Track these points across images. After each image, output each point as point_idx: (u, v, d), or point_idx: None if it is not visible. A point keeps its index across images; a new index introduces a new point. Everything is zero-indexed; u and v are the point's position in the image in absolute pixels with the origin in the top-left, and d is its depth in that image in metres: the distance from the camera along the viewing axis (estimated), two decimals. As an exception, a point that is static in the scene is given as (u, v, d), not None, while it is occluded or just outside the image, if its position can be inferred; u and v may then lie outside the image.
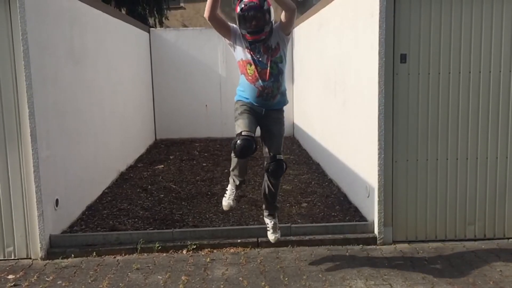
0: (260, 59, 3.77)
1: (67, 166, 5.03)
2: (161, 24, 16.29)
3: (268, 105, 3.87)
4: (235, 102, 3.98)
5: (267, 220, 4.22)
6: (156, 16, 16.08)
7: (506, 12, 4.36)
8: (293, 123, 10.46)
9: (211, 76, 10.54)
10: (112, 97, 6.99)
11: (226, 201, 4.22)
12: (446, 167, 4.52)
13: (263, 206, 4.24)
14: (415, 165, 4.51)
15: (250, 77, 3.81)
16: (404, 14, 4.33)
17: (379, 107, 4.41)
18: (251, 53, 3.78)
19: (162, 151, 9.34)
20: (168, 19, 17.13)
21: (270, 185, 4.01)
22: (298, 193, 6.11)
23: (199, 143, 10.06)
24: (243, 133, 3.70)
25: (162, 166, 7.94)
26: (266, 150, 3.96)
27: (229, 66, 10.50)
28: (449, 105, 4.45)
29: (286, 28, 3.82)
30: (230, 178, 4.17)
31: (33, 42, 4.27)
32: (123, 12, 14.33)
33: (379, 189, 4.50)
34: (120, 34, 7.69)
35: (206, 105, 10.62)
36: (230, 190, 4.19)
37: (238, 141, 3.68)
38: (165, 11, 16.56)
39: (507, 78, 4.44)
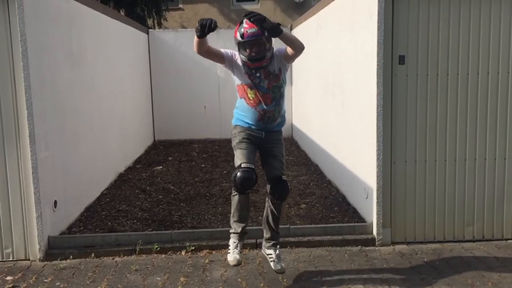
0: (260, 83, 3.67)
1: (66, 167, 5.02)
2: (160, 25, 16.28)
3: (268, 128, 3.77)
4: (233, 127, 3.85)
5: (269, 251, 3.90)
6: (155, 17, 16.05)
7: (504, 13, 4.37)
8: (292, 124, 10.46)
9: (210, 78, 10.53)
10: (111, 98, 6.99)
11: (232, 256, 3.75)
12: (444, 168, 4.52)
13: (264, 235, 3.97)
14: (413, 166, 4.51)
15: (251, 101, 3.70)
16: (403, 16, 4.34)
17: (377, 108, 4.41)
18: (251, 78, 3.67)
19: (160, 152, 9.34)
20: (166, 20, 17.11)
21: (274, 210, 3.83)
22: (297, 194, 6.11)
23: (198, 144, 10.06)
24: (242, 165, 3.59)
25: (161, 167, 7.94)
26: (269, 173, 3.81)
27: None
28: (447, 106, 4.46)
29: (290, 60, 3.76)
30: (230, 229, 3.85)
31: (32, 43, 4.27)
32: (122, 13, 14.32)
33: (377, 190, 4.50)
34: (119, 35, 7.69)
35: (205, 107, 10.62)
36: (232, 244, 3.79)
37: (238, 174, 3.56)
38: (164, 12, 16.54)
39: (505, 80, 4.45)
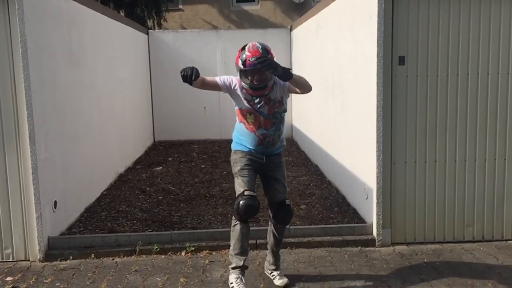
0: (261, 109, 3.59)
1: (66, 168, 5.02)
2: (160, 25, 16.28)
3: (268, 152, 3.70)
4: (233, 152, 3.78)
5: (272, 272, 3.90)
6: (155, 17, 16.06)
7: (504, 14, 4.37)
8: (292, 124, 10.46)
9: (210, 78, 10.52)
10: (111, 98, 6.99)
11: None
12: (444, 169, 4.52)
13: (267, 258, 3.94)
14: (413, 167, 4.51)
15: (250, 126, 3.63)
16: (402, 16, 4.34)
17: (377, 109, 4.41)
18: (251, 103, 3.59)
19: (160, 153, 9.34)
20: (166, 21, 17.11)
21: (276, 234, 3.80)
22: (297, 195, 6.11)
23: (198, 145, 10.06)
24: (245, 193, 3.51)
25: (161, 168, 7.94)
26: (272, 197, 3.74)
27: (228, 68, 10.50)
28: (447, 107, 4.46)
29: (293, 92, 3.69)
30: (231, 264, 3.69)
31: (32, 44, 4.27)
32: (122, 13, 14.33)
33: (377, 191, 4.50)
34: (119, 36, 7.69)
35: (205, 107, 10.62)
36: (235, 279, 3.63)
37: (242, 202, 3.48)
38: (164, 13, 16.55)
39: (505, 81, 4.45)
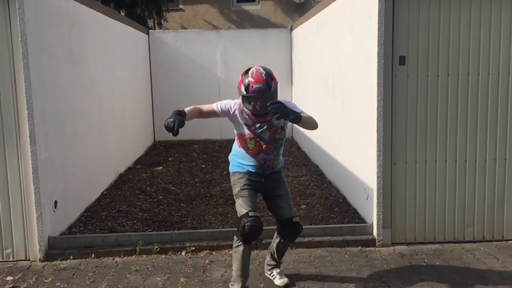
0: (262, 134, 3.53)
1: (66, 167, 5.02)
2: (160, 25, 16.29)
3: (267, 173, 3.66)
4: (231, 174, 3.73)
5: (272, 272, 3.91)
6: (155, 17, 16.07)
7: (504, 14, 4.37)
8: (292, 124, 10.44)
9: (210, 78, 10.54)
10: (111, 98, 6.99)
11: None
12: (445, 169, 4.52)
13: (268, 261, 3.94)
14: (414, 167, 4.51)
15: (250, 151, 3.58)
16: (403, 16, 4.34)
17: (377, 109, 4.41)
18: (252, 129, 3.53)
19: (161, 152, 9.34)
20: (167, 21, 17.11)
21: (281, 247, 3.78)
22: (297, 195, 6.11)
23: (198, 145, 10.06)
24: (250, 214, 3.43)
25: (161, 167, 7.94)
26: (279, 215, 3.68)
27: (228, 68, 10.51)
28: (448, 107, 4.46)
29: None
30: (232, 284, 3.65)
31: (32, 44, 4.27)
32: (122, 13, 14.33)
33: (378, 191, 4.50)
34: (119, 36, 7.69)
35: (205, 107, 10.60)
36: None
37: (247, 224, 3.39)
38: (164, 13, 16.56)
39: (506, 81, 4.45)
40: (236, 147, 3.71)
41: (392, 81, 4.40)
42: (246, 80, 3.39)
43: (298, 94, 9.76)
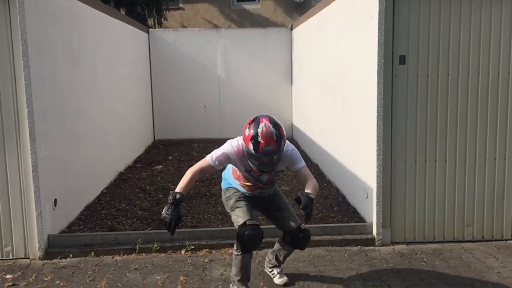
0: (260, 178, 3.49)
1: (66, 166, 5.02)
2: (160, 24, 16.29)
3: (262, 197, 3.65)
4: (224, 190, 3.70)
5: (272, 270, 3.91)
6: (155, 16, 16.07)
7: (505, 13, 4.37)
8: (292, 124, 10.46)
9: (210, 77, 10.55)
10: (111, 97, 6.99)
11: None
12: (444, 168, 4.53)
13: (270, 259, 3.92)
14: (413, 166, 4.51)
15: (246, 187, 3.55)
16: (403, 16, 4.34)
17: (378, 108, 4.41)
18: (251, 173, 3.45)
19: (160, 151, 9.34)
20: (167, 20, 17.12)
21: (287, 251, 3.78)
22: (297, 194, 6.10)
23: (198, 143, 10.06)
24: (248, 223, 3.36)
25: (161, 166, 7.94)
26: (284, 226, 3.63)
27: (228, 67, 10.51)
28: (448, 106, 4.46)
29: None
30: (231, 285, 3.65)
31: (32, 42, 4.27)
32: (122, 12, 14.32)
33: (377, 190, 4.50)
34: (119, 35, 7.69)
35: (205, 106, 10.63)
36: None
37: (246, 232, 3.31)
38: (164, 11, 16.56)
39: (506, 80, 4.45)
40: (231, 175, 3.64)
41: (392, 80, 4.41)
42: (256, 140, 3.18)
43: (298, 94, 9.76)
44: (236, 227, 3.47)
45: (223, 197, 3.72)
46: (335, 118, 6.29)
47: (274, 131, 3.20)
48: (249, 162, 3.34)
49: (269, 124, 3.22)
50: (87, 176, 5.74)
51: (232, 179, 3.66)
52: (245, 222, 3.39)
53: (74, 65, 5.44)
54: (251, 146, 3.21)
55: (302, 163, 3.51)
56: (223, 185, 3.75)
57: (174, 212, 3.32)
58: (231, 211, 3.59)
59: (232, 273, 3.60)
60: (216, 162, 3.40)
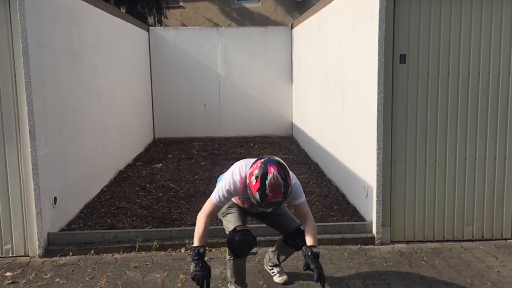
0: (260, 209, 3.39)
1: (66, 164, 5.02)
2: (160, 23, 16.29)
3: None
4: None
5: (272, 269, 3.90)
6: (155, 15, 16.08)
7: (505, 12, 4.37)
8: (292, 123, 10.46)
9: (210, 75, 10.54)
10: (111, 95, 6.99)
11: None
12: (444, 167, 4.53)
13: (270, 257, 3.90)
14: (413, 165, 4.51)
15: (243, 205, 3.55)
16: (404, 15, 4.34)
17: (378, 107, 4.41)
18: (251, 205, 3.40)
19: (160, 150, 9.34)
20: (167, 18, 17.12)
21: (289, 252, 3.76)
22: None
23: (198, 142, 10.06)
24: (238, 228, 3.33)
25: (161, 165, 7.94)
26: (285, 229, 3.61)
27: (229, 65, 10.51)
28: (448, 105, 4.46)
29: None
30: (229, 284, 3.61)
31: (32, 40, 4.27)
32: (123, 10, 14.32)
33: (377, 189, 4.50)
34: (119, 33, 7.69)
35: (205, 104, 10.62)
36: None
37: (236, 238, 3.29)
38: (165, 10, 16.57)
39: (506, 80, 4.45)
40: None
41: (393, 79, 4.40)
42: (263, 192, 3.09)
43: (298, 92, 9.76)
44: (227, 232, 3.46)
45: None
46: (335, 117, 6.29)
47: (282, 182, 3.10)
48: (253, 201, 3.24)
49: (278, 176, 3.09)
50: (87, 174, 5.74)
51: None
52: (235, 228, 3.37)
53: (74, 63, 5.43)
54: (257, 196, 3.12)
55: (303, 198, 3.44)
56: None
57: (203, 268, 3.21)
58: (223, 217, 3.58)
59: (228, 275, 3.61)
60: (220, 202, 3.35)
